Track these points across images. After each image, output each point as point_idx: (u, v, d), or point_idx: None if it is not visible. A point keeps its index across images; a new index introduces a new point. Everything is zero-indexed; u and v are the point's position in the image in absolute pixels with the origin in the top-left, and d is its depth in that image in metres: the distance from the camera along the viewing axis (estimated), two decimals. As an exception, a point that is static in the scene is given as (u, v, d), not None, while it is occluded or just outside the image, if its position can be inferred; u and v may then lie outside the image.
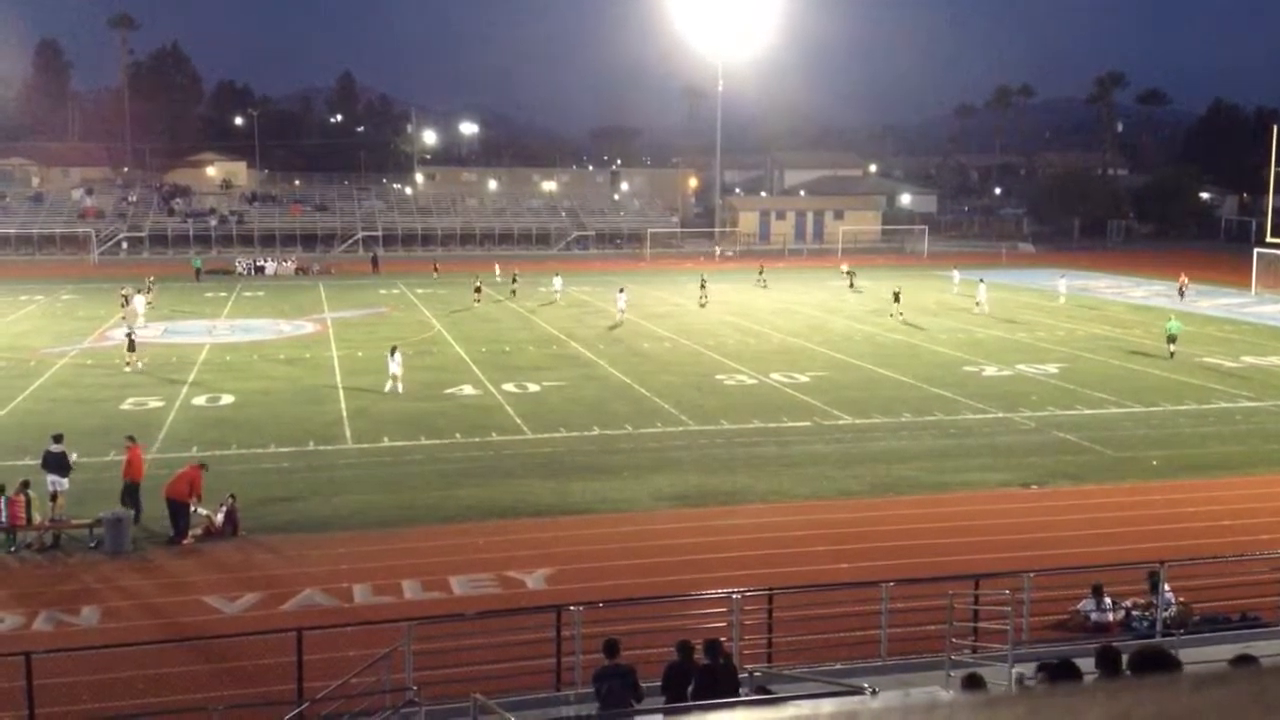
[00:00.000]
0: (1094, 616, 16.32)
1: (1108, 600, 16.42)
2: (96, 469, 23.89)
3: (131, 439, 22.55)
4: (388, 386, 33.08)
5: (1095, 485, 24.07)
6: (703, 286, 56.53)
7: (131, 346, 37.44)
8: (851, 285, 62.36)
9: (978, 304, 52.83)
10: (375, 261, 76.83)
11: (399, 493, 23.29)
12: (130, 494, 21.32)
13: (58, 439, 21.93)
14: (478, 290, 56.43)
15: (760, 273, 66.91)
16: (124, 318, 48.69)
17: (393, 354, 33.59)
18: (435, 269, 71.62)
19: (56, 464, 21.31)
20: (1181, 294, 57.76)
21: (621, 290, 50.18)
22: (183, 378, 35.99)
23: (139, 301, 48.73)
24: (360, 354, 38.70)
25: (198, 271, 69.02)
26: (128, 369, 36.73)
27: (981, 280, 55.75)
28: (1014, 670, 13.58)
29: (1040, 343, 43.69)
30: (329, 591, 17.90)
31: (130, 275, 64.03)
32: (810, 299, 58.84)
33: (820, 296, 60.10)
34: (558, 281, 58.98)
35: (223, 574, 18.94)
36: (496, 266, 68.30)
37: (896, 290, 51.37)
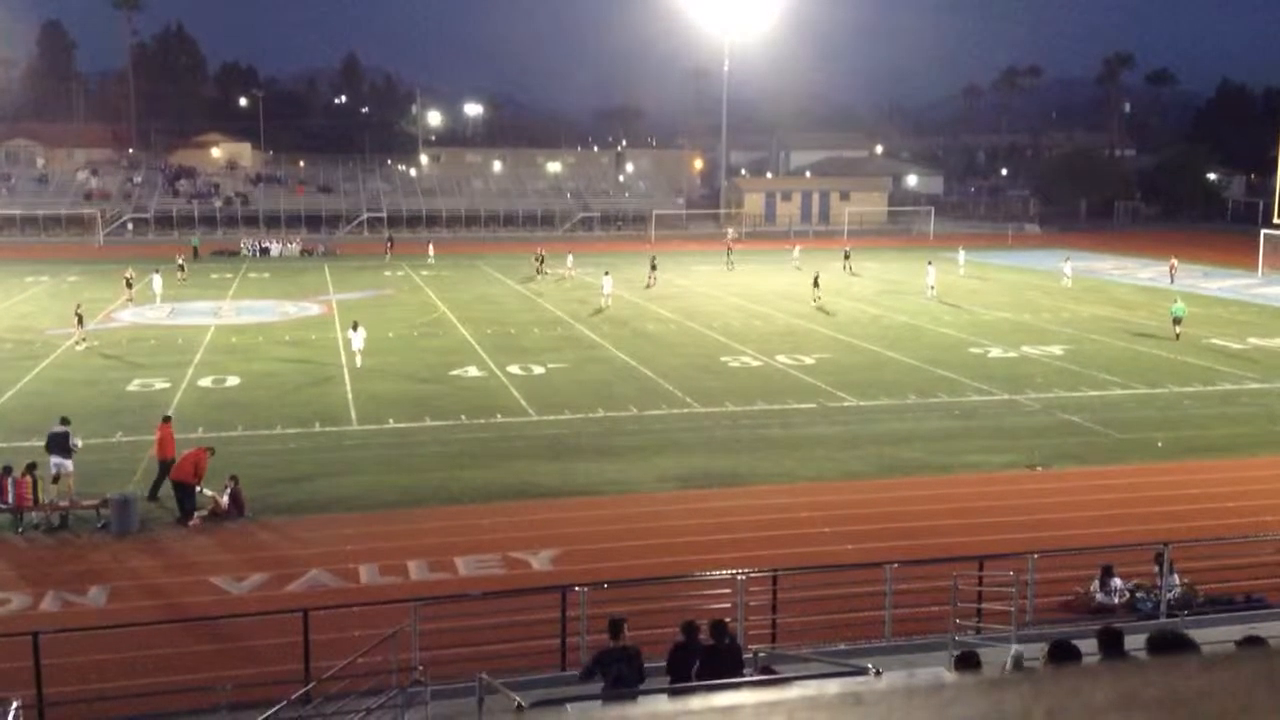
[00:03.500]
0: (1099, 598, 16.33)
1: (1116, 581, 16.42)
2: (103, 450, 23.96)
3: (166, 419, 22.93)
4: (359, 362, 34.17)
5: (1100, 467, 24.06)
6: (653, 268, 57.11)
7: (80, 322, 37.88)
8: (847, 268, 62.29)
9: (930, 288, 51.50)
10: (391, 243, 76.09)
11: (404, 474, 23.34)
12: (165, 472, 21.55)
13: (64, 421, 22.02)
14: (540, 260, 60.98)
15: (728, 253, 66.76)
16: (130, 299, 48.81)
17: (354, 329, 34.81)
18: (389, 248, 72.37)
19: (58, 445, 21.40)
20: (1172, 278, 57.24)
21: (606, 273, 50.11)
22: (188, 359, 36.06)
23: (157, 281, 49.12)
24: (366, 335, 38.65)
25: (194, 251, 69.08)
26: (79, 347, 36.96)
27: (930, 262, 54.66)
28: (1013, 649, 13.61)
29: (1046, 325, 43.61)
30: (335, 572, 17.96)
31: (135, 257, 64.13)
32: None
33: (824, 279, 59.95)
34: (570, 260, 59.94)
35: (229, 555, 19.01)
36: (430, 247, 70.64)
37: (816, 274, 50.63)
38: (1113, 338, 40.48)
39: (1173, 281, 56.31)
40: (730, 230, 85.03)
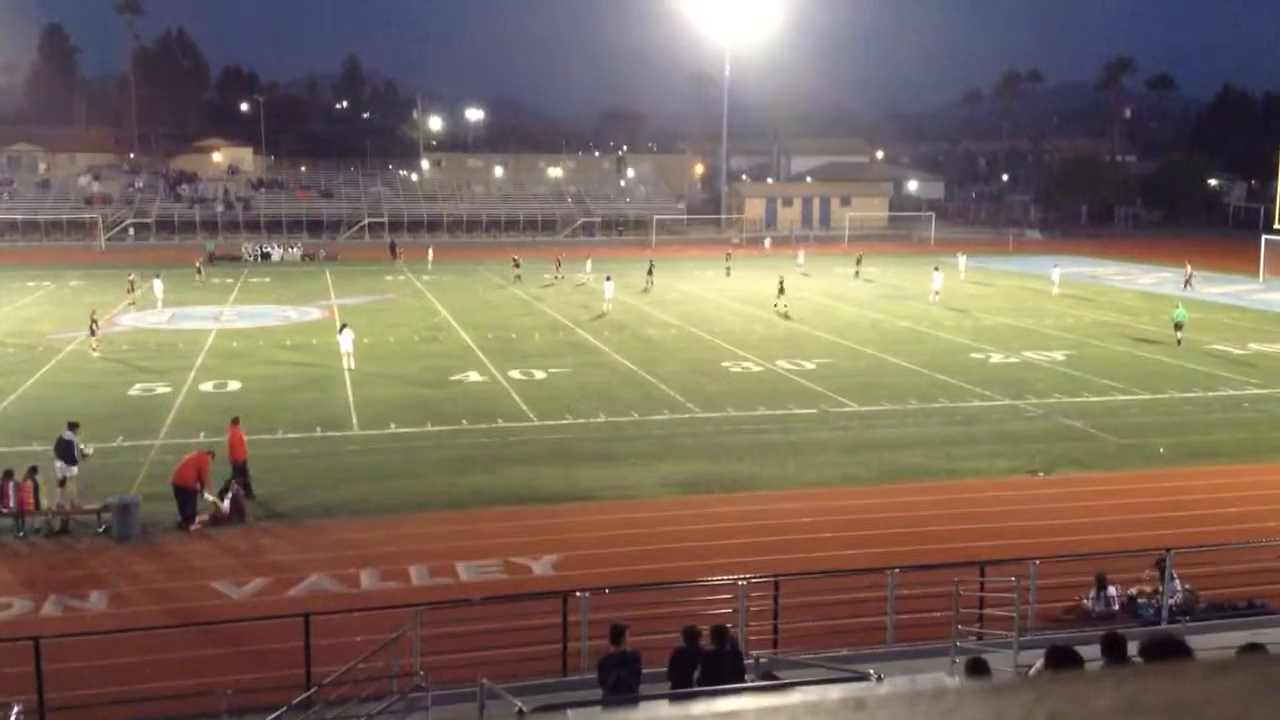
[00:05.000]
0: (1097, 608, 16.29)
1: (1111, 590, 16.39)
2: (105, 455, 23.96)
3: (235, 420, 23.13)
4: (345, 364, 34.62)
5: (1102, 472, 24.05)
6: (649, 273, 57.33)
7: (94, 329, 37.86)
8: (857, 274, 62.36)
9: (935, 293, 51.32)
10: (393, 248, 76.11)
11: (405, 479, 23.33)
12: (238, 474, 21.82)
13: (72, 426, 22.02)
14: (558, 264, 61.98)
15: (727, 258, 66.56)
16: (132, 303, 48.81)
17: (341, 331, 35.43)
18: (398, 254, 72.73)
19: (63, 450, 21.41)
20: (1187, 284, 56.92)
21: (608, 278, 50.18)
22: (190, 363, 36.07)
23: (158, 286, 49.15)
24: (367, 340, 38.74)
25: (210, 255, 69.14)
26: (94, 353, 36.91)
27: (937, 268, 54.34)
28: (1018, 657, 13.59)
29: (1047, 330, 43.61)
30: (336, 577, 17.96)
31: (145, 262, 64.19)
32: (816, 286, 58.77)
33: (826, 283, 60.07)
34: (589, 265, 60.20)
35: (230, 559, 19.01)
36: (430, 252, 70.62)
37: (781, 280, 49.66)
38: (1114, 343, 40.47)
39: (1189, 287, 55.92)
40: (768, 239, 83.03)
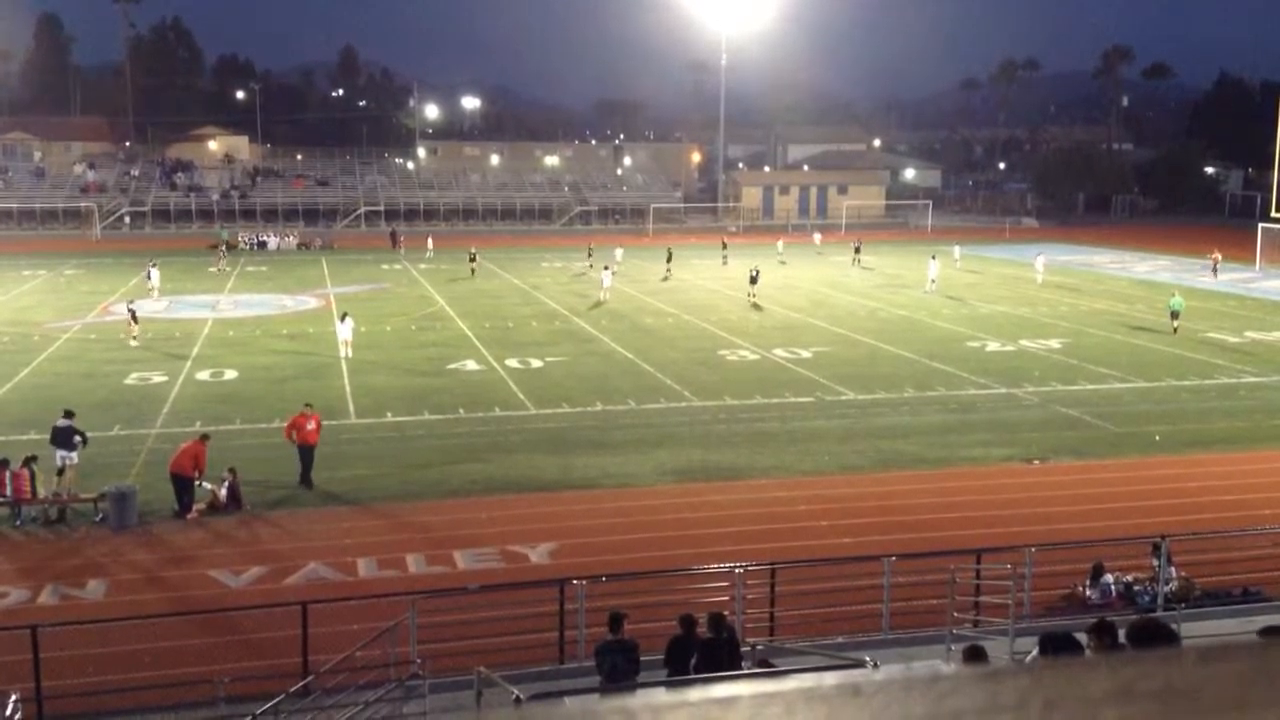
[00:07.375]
0: (1093, 596, 16.33)
1: (1107, 578, 16.42)
2: (101, 443, 23.92)
3: (308, 406, 23.18)
4: (342, 352, 34.67)
5: (1098, 460, 24.09)
6: (668, 261, 57.57)
7: (134, 319, 37.74)
8: (855, 262, 62.29)
9: (931, 281, 51.10)
10: (395, 237, 75.70)
11: (402, 467, 23.34)
12: (305, 460, 22.12)
13: (68, 414, 22.00)
14: (589, 253, 62.64)
15: (723, 248, 66.24)
16: (151, 289, 48.49)
17: (342, 320, 35.50)
18: (400, 243, 72.91)
19: (61, 438, 21.39)
20: (1215, 271, 56.60)
21: (606, 268, 50.12)
22: (186, 352, 36.02)
23: (154, 275, 48.91)
24: (364, 329, 38.70)
25: (225, 244, 68.13)
26: (134, 343, 36.83)
27: (934, 256, 54.05)
28: (1014, 645, 13.63)
29: (1043, 318, 43.63)
30: (333, 565, 17.97)
31: (142, 250, 64.02)
32: (814, 274, 58.76)
33: (824, 272, 60.06)
34: (618, 253, 60.43)
35: (227, 548, 19.01)
36: (430, 240, 70.24)
37: (754, 270, 47.97)
38: (1110, 331, 40.50)
39: (1215, 275, 55.86)
40: (818, 236, 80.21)
